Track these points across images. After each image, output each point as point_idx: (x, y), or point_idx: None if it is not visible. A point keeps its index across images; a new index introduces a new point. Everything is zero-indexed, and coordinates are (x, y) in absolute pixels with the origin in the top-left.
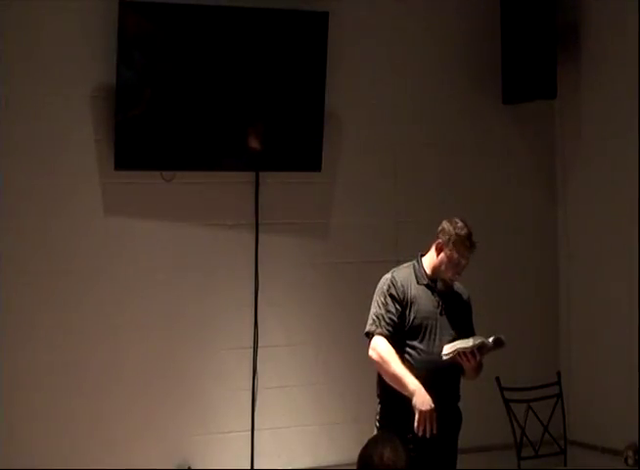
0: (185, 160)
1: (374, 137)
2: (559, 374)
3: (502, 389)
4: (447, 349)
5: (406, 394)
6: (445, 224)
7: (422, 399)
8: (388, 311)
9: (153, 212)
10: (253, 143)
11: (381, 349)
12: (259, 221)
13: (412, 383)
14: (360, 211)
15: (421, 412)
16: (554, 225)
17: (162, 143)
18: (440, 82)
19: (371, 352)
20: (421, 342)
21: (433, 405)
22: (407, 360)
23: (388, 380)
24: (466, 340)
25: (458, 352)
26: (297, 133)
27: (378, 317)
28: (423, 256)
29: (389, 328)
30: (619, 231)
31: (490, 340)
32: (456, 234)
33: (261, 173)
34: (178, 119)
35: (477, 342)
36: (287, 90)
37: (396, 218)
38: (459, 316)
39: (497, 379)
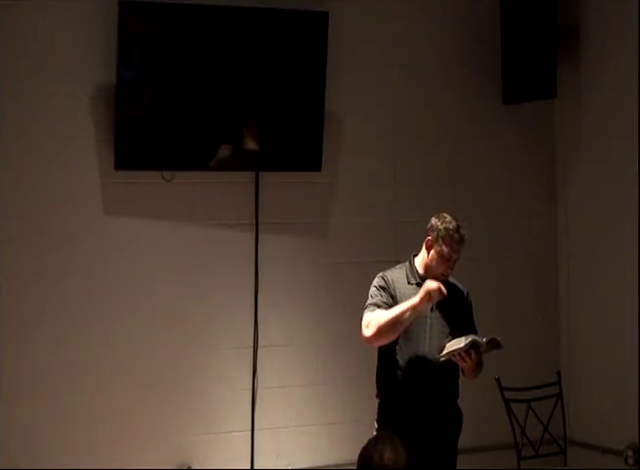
0: (185, 160)
1: (374, 137)
2: (559, 374)
3: (502, 389)
4: (445, 349)
5: (417, 309)
6: (433, 220)
7: (422, 296)
8: (380, 300)
9: (153, 212)
10: (253, 143)
11: (371, 318)
12: (259, 221)
13: (407, 303)
14: (360, 211)
15: (432, 292)
16: (554, 225)
17: (162, 143)
18: (441, 82)
19: (367, 333)
20: (410, 340)
21: (432, 285)
22: (398, 359)
23: (398, 326)
24: (459, 339)
25: (453, 354)
26: (297, 133)
27: (371, 306)
28: (415, 255)
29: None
30: (619, 231)
31: (484, 339)
32: (444, 229)
33: (261, 173)
34: (178, 120)
35: (468, 340)
36: (287, 90)
37: (396, 218)
38: (455, 312)
39: (497, 379)
